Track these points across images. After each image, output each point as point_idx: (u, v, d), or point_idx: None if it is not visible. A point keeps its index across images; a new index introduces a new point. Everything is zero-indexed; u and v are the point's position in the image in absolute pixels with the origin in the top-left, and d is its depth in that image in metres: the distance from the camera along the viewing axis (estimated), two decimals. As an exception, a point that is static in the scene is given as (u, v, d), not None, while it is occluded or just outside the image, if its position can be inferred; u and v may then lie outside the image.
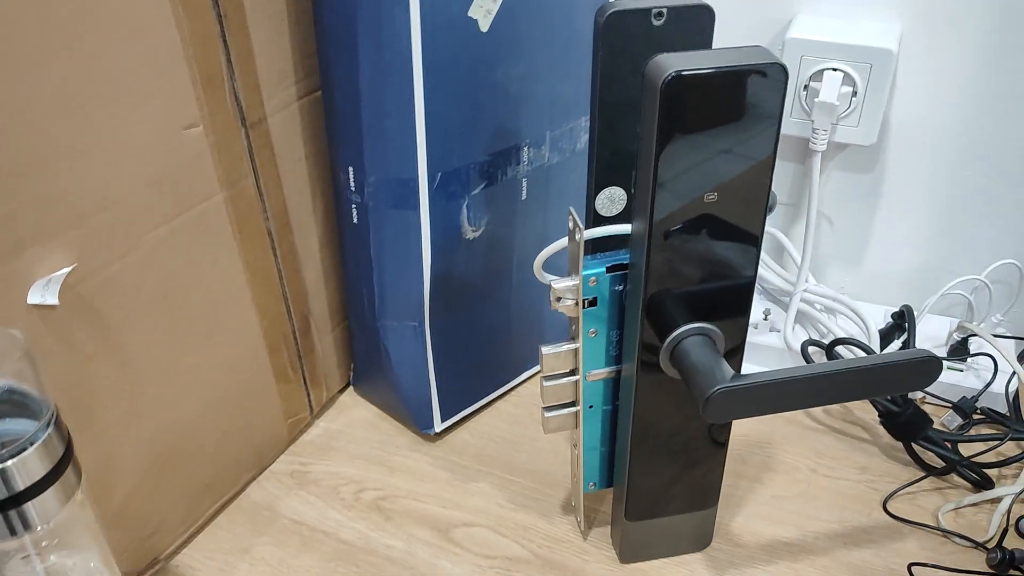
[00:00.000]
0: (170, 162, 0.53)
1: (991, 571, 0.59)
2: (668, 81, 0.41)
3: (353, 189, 0.62)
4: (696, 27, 0.50)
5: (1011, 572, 0.59)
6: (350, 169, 0.61)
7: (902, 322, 0.73)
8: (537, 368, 0.77)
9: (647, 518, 0.58)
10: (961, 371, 0.73)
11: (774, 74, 0.42)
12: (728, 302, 0.50)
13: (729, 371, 0.47)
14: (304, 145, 0.64)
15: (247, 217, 0.60)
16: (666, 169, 0.44)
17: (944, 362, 0.73)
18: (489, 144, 0.62)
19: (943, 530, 0.62)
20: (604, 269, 0.50)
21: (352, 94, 0.58)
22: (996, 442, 0.66)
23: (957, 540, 0.62)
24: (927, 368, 0.48)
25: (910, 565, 0.58)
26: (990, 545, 0.61)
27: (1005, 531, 0.61)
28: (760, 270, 0.80)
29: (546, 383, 0.55)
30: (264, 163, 0.61)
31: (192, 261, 0.57)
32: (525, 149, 0.65)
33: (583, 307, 0.51)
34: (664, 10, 0.50)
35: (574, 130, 0.67)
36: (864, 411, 0.72)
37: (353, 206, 0.63)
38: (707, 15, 0.50)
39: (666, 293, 0.48)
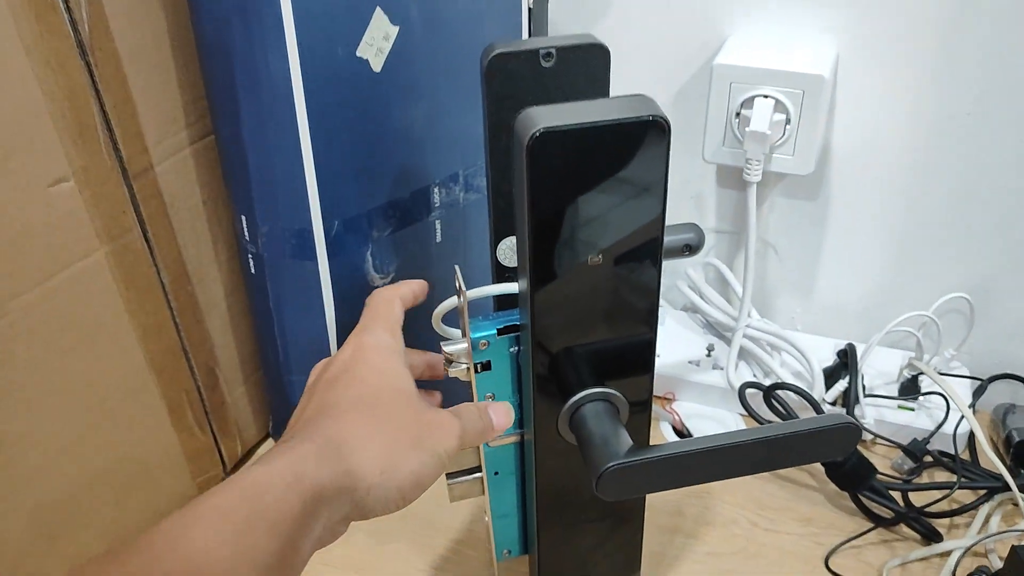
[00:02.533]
0: (35, 221, 0.50)
1: (935, 636, 0.55)
2: (535, 138, 0.38)
3: (248, 239, 0.58)
4: (589, 68, 0.47)
5: (956, 637, 0.55)
6: (243, 218, 0.58)
7: (847, 360, 0.69)
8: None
9: (564, 588, 0.54)
10: (912, 410, 0.69)
11: (653, 129, 0.38)
12: (627, 364, 0.46)
13: (626, 444, 0.43)
14: (201, 190, 0.61)
15: (134, 271, 0.57)
16: (541, 232, 0.40)
17: (895, 401, 0.69)
18: (393, 187, 0.58)
19: (886, 589, 0.58)
20: (495, 331, 0.46)
21: (237, 141, 0.54)
22: (947, 491, 0.62)
23: (901, 601, 0.58)
24: (844, 436, 0.44)
25: (845, 634, 0.55)
26: (936, 605, 0.57)
27: (950, 592, 0.57)
28: (702, 304, 0.76)
29: (444, 449, 0.51)
30: (153, 213, 0.57)
31: (71, 324, 0.53)
32: (435, 190, 0.61)
33: (476, 371, 0.47)
34: (553, 51, 0.46)
35: (491, 167, 0.64)
36: (810, 455, 0.68)
37: (250, 256, 0.59)
38: (601, 55, 0.46)
39: (559, 357, 0.45)
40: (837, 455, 0.45)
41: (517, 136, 0.39)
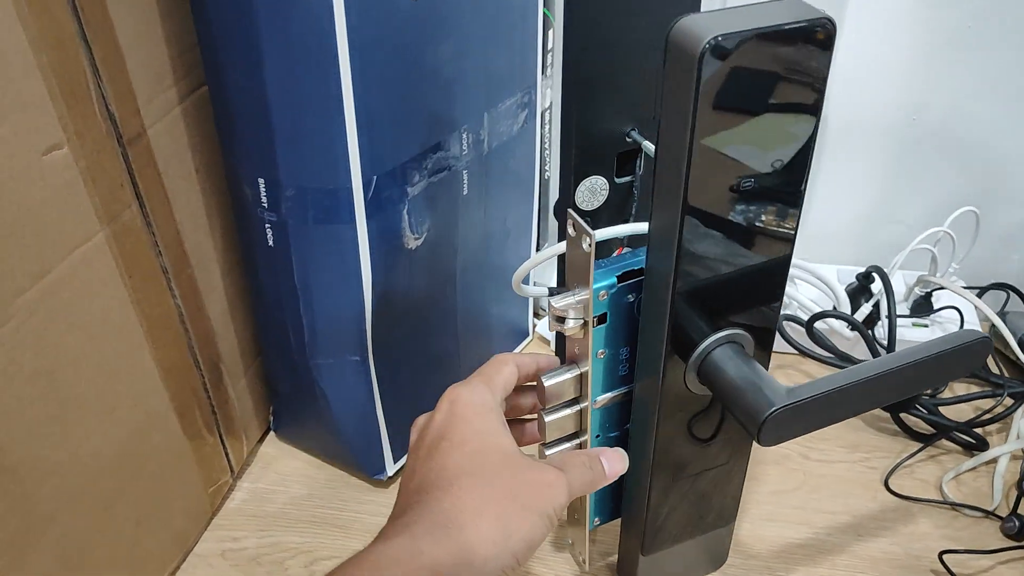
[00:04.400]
0: (31, 199, 0.40)
1: (1013, 543, 0.56)
2: (709, 49, 0.33)
3: (266, 205, 0.50)
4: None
5: (1030, 540, 0.56)
6: (260, 182, 0.49)
7: (867, 283, 0.69)
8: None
9: (664, 548, 0.51)
10: (927, 327, 0.69)
11: (824, 30, 0.35)
12: (760, 299, 0.42)
13: (780, 387, 0.40)
14: (193, 156, 0.52)
15: (136, 255, 0.48)
16: (702, 154, 0.36)
17: (909, 319, 0.70)
18: (426, 136, 0.52)
19: (952, 503, 0.59)
20: (615, 279, 0.42)
21: (255, 91, 0.46)
22: (990, 399, 0.62)
23: (968, 512, 0.58)
24: (980, 350, 0.43)
25: (941, 553, 0.54)
26: (999, 512, 0.57)
27: (1019, 498, 0.57)
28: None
29: (547, 417, 0.46)
30: (149, 185, 0.48)
31: (77, 322, 0.44)
32: (464, 136, 0.55)
33: (593, 325, 0.43)
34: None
35: (512, 107, 0.58)
36: (838, 382, 0.68)
37: (267, 226, 0.51)
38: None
39: (693, 299, 0.41)
40: (973, 368, 0.44)
41: (678, 49, 0.34)
